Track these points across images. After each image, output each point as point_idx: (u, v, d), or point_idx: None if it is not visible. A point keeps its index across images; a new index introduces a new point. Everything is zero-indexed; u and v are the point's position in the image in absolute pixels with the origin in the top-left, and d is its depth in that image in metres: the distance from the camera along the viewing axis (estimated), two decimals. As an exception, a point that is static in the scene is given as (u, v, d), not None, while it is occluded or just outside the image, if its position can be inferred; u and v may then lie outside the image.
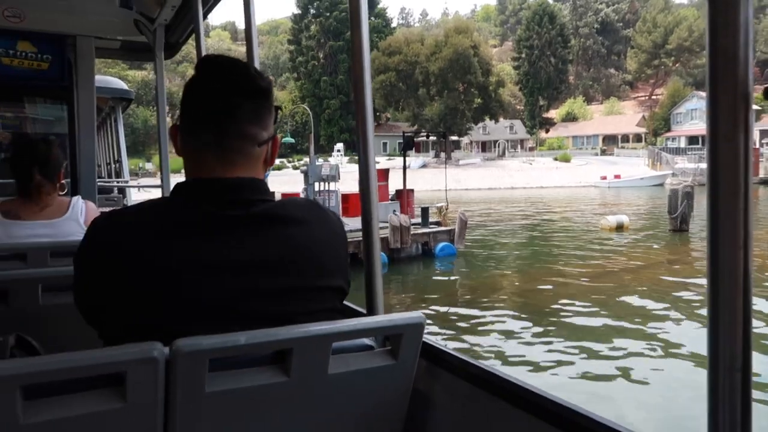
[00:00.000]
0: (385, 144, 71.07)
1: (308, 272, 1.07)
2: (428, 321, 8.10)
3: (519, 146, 75.09)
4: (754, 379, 0.74)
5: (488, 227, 21.25)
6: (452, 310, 9.62)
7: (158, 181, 4.83)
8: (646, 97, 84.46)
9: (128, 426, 0.90)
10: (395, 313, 1.14)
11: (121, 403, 0.87)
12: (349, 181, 20.15)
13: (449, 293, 11.11)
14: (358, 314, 1.49)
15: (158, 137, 3.73)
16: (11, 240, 2.24)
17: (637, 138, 70.01)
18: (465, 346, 7.63)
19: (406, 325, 1.10)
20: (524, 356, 7.19)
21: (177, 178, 1.27)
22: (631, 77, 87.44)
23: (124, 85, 8.48)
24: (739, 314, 0.70)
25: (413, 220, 14.88)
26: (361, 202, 1.45)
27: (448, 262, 14.05)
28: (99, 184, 5.33)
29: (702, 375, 0.71)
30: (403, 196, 16.48)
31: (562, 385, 6.21)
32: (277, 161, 64.27)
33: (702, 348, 0.73)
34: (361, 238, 1.41)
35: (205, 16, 2.94)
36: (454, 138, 67.18)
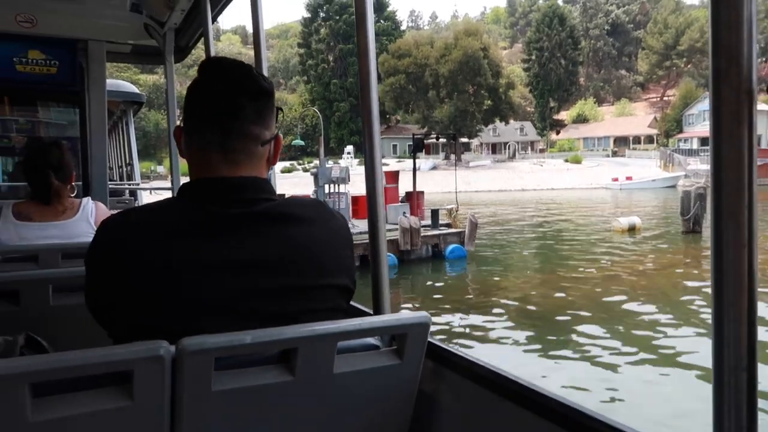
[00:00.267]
0: (395, 146, 71.10)
1: (310, 271, 1.07)
2: (440, 326, 8.07)
3: (529, 148, 74.81)
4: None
5: (499, 229, 21.18)
6: (462, 315, 9.58)
7: (169, 184, 4.87)
8: (658, 99, 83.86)
9: (135, 424, 0.90)
10: (400, 313, 1.14)
11: (128, 401, 0.88)
12: (358, 184, 20.04)
13: (459, 297, 11.07)
14: (365, 315, 1.50)
15: (169, 140, 3.77)
16: (23, 241, 2.27)
17: (649, 139, 69.52)
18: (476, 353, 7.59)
19: (411, 324, 1.11)
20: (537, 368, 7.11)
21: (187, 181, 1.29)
22: (643, 78, 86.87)
23: (135, 89, 8.56)
24: (744, 314, 0.69)
25: (423, 222, 14.87)
26: (368, 204, 1.46)
27: (459, 264, 14.02)
28: (110, 186, 5.39)
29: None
30: (413, 198, 16.47)
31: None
32: (287, 164, 64.66)
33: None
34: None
35: (214, 20, 2.97)
36: (464, 140, 67.07)
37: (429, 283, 12.66)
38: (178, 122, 1.16)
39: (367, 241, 1.46)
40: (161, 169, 56.33)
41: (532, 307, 9.71)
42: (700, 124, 62.21)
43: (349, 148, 56.09)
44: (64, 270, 1.78)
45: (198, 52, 4.01)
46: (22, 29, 3.52)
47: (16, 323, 1.52)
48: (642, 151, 65.94)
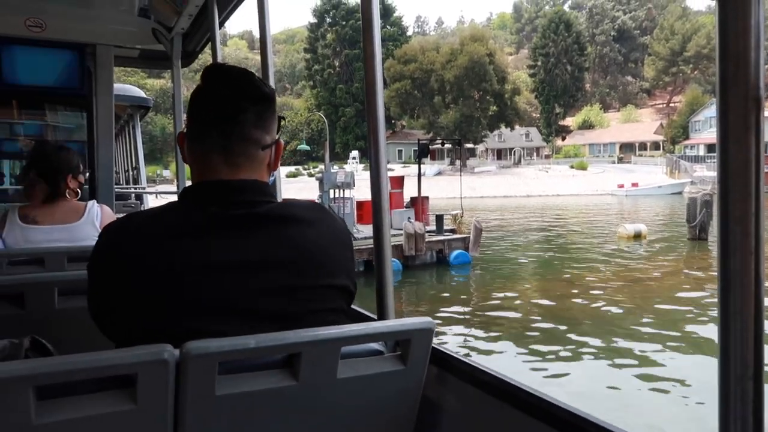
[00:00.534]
0: (400, 151, 71.14)
1: (311, 272, 1.09)
2: (447, 332, 8.02)
3: (535, 154, 74.72)
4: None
5: (503, 235, 21.14)
6: (466, 322, 9.55)
7: (174, 188, 4.90)
8: (664, 105, 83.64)
9: (139, 427, 0.90)
10: (404, 318, 1.14)
11: (132, 404, 0.88)
12: (363, 189, 19.97)
13: (464, 303, 11.05)
14: (369, 320, 1.50)
15: (175, 145, 3.78)
16: (29, 244, 2.28)
17: (655, 146, 69.31)
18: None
19: (414, 330, 1.10)
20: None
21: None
22: (649, 85, 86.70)
23: (142, 93, 8.60)
24: (750, 321, 0.69)
25: (428, 228, 14.85)
26: (373, 210, 1.46)
27: (463, 270, 13.99)
28: (117, 190, 5.41)
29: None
30: (418, 204, 16.46)
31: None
32: (293, 168, 64.69)
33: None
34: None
35: (221, 26, 2.99)
36: (470, 145, 67.03)
37: (432, 291, 12.64)
38: (183, 127, 1.17)
39: (372, 246, 1.46)
40: (167, 173, 56.56)
41: (536, 316, 9.63)
42: (706, 131, 61.99)
43: (355, 153, 56.20)
44: (69, 273, 1.79)
45: (205, 57, 4.05)
46: (31, 33, 3.55)
47: (21, 326, 1.53)
48: (648, 158, 65.73)
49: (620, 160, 68.40)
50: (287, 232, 1.09)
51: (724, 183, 0.69)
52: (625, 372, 6.80)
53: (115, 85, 4.60)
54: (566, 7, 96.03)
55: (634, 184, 47.32)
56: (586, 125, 78.66)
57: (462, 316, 9.84)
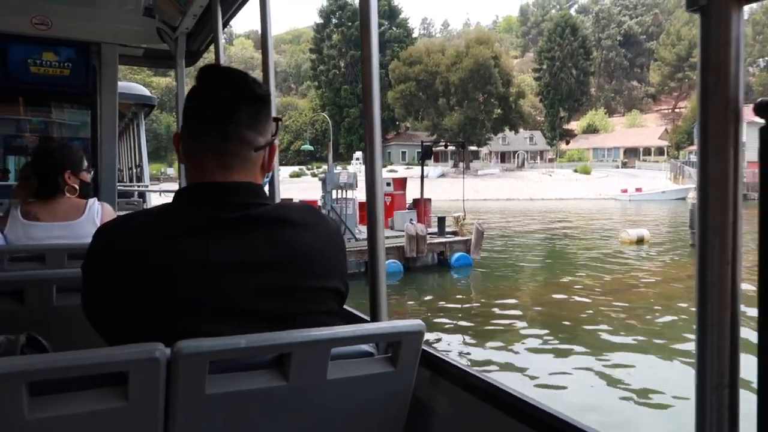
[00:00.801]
0: (404, 153, 71.15)
1: (304, 273, 1.10)
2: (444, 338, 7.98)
3: (539, 157, 74.62)
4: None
5: (505, 238, 21.12)
6: (464, 324, 9.55)
7: (177, 186, 4.92)
8: (669, 110, 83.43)
9: (130, 424, 0.92)
10: (394, 321, 1.15)
11: (123, 402, 0.89)
12: (366, 190, 20.10)
13: (464, 306, 11.04)
14: (362, 321, 1.51)
15: None
16: (30, 241, 2.30)
17: (659, 151, 69.13)
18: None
19: (404, 332, 1.11)
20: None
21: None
22: (654, 90, 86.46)
23: (146, 92, 8.65)
24: (727, 331, 0.70)
25: (430, 230, 14.84)
26: (368, 212, 1.48)
27: (464, 272, 13.98)
28: (119, 188, 5.44)
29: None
30: (420, 205, 16.46)
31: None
32: (296, 168, 64.64)
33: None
34: None
35: (224, 26, 3.01)
36: (474, 148, 67.01)
37: (432, 292, 12.64)
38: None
39: None
40: (171, 171, 56.66)
41: (534, 321, 9.56)
42: (711, 137, 61.48)
43: (358, 153, 56.18)
44: (68, 270, 1.81)
45: (210, 56, 4.08)
46: (37, 31, 3.58)
47: (19, 322, 1.54)
48: (652, 163, 65.56)
49: (624, 165, 68.23)
50: (283, 234, 1.10)
51: (703, 193, 0.70)
52: (622, 379, 6.79)
53: (120, 84, 4.62)
54: (573, 11, 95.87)
55: (638, 189, 47.21)
56: (591, 129, 78.52)
57: (460, 318, 9.83)
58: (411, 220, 14.68)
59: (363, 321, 1.48)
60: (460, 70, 60.92)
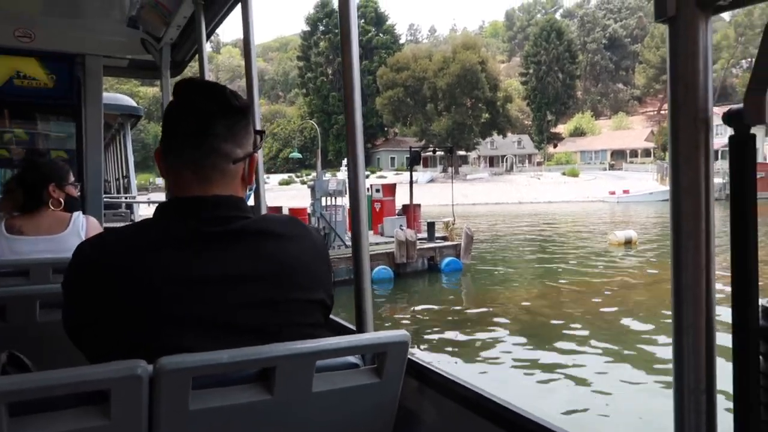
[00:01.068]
0: (392, 159, 71.28)
1: (288, 285, 1.09)
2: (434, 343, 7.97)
3: (527, 161, 75.05)
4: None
5: (495, 242, 21.19)
6: (454, 328, 9.56)
7: (164, 197, 4.89)
8: (655, 112, 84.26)
9: None
10: (379, 332, 1.15)
11: (105, 420, 0.88)
12: (356, 196, 20.10)
13: (456, 310, 11.05)
14: (348, 331, 1.51)
15: None
16: (14, 255, 2.28)
17: (646, 153, 69.77)
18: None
19: (389, 343, 1.11)
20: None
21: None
22: (640, 92, 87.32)
23: (133, 102, 8.62)
24: (702, 335, 0.71)
25: (419, 235, 14.87)
26: (352, 220, 1.48)
27: (454, 277, 14.01)
28: (106, 200, 5.41)
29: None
30: (410, 211, 16.49)
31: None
32: (285, 176, 64.40)
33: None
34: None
35: (208, 36, 3.01)
36: (462, 153, 67.33)
37: (423, 298, 12.64)
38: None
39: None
40: (160, 181, 56.34)
41: (524, 325, 9.58)
42: (696, 138, 62.15)
43: (347, 160, 56.06)
44: (52, 286, 1.79)
45: (196, 66, 4.07)
46: (20, 44, 3.56)
47: (1, 339, 1.53)
48: (639, 165, 66.15)
49: (611, 167, 68.79)
50: (266, 246, 1.10)
51: (676, 201, 0.72)
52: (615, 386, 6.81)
53: (106, 95, 4.61)
54: (558, 16, 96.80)
55: (626, 191, 47.61)
56: (578, 132, 79.12)
57: (450, 323, 9.83)
58: (401, 225, 14.70)
59: (349, 331, 1.48)
60: (447, 75, 61.22)
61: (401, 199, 17.96)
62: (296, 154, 40.76)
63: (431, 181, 58.17)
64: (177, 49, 3.71)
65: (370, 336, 1.15)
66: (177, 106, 1.13)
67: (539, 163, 74.04)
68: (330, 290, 1.19)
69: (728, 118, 0.66)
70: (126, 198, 8.50)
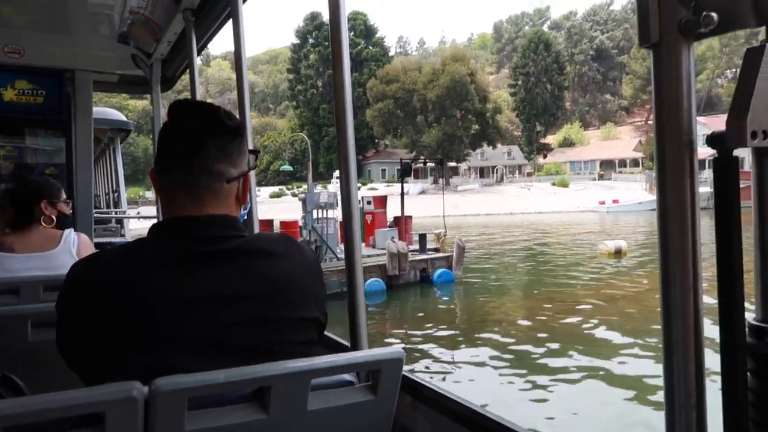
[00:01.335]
0: (383, 170, 71.42)
1: (282, 304, 1.10)
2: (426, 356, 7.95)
3: (517, 172, 75.46)
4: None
5: (487, 253, 21.24)
6: (447, 342, 9.54)
7: (155, 210, 4.88)
8: (642, 122, 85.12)
9: None
10: (374, 349, 1.15)
11: None
12: (347, 208, 20.11)
13: (449, 323, 11.04)
14: (343, 347, 1.51)
15: None
16: (5, 273, 2.26)
17: (635, 162, 70.39)
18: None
19: (384, 360, 1.12)
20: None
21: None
22: (627, 103, 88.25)
23: (122, 117, 8.59)
24: (691, 352, 0.72)
25: (411, 247, 14.88)
26: (345, 235, 1.48)
27: (446, 288, 14.01)
28: (96, 215, 5.37)
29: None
30: (401, 223, 16.52)
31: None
32: (276, 189, 64.25)
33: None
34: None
35: (199, 52, 3.02)
36: (453, 164, 67.60)
37: (416, 310, 12.62)
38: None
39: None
40: (150, 194, 56.08)
41: (516, 338, 9.53)
42: (684, 148, 62.73)
43: (338, 172, 56.08)
44: (42, 305, 1.78)
45: (186, 79, 4.08)
46: (9, 60, 3.55)
47: None
48: (628, 174, 66.69)
49: (601, 177, 69.31)
50: (259, 265, 1.10)
51: (663, 221, 0.73)
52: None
53: (96, 109, 4.59)
54: (545, 28, 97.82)
55: (615, 201, 47.94)
56: (567, 143, 79.74)
57: (444, 337, 9.82)
58: (392, 237, 14.72)
59: (343, 348, 1.49)
60: (437, 87, 61.61)
61: (392, 210, 17.98)
62: (287, 167, 40.72)
63: (422, 192, 58.31)
64: (168, 64, 3.72)
65: (365, 354, 1.15)
66: (170, 127, 1.14)
67: (529, 174, 74.46)
68: (324, 308, 1.20)
69: (711, 142, 0.68)
70: (116, 213, 8.46)
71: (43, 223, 2.44)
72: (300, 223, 15.33)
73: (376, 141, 74.99)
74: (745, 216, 0.71)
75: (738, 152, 0.69)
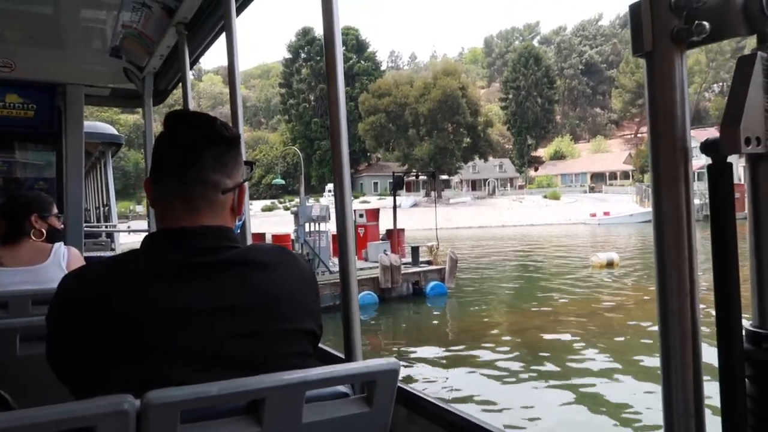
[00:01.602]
0: (375, 184, 71.53)
1: (276, 316, 1.08)
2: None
3: (509, 184, 75.83)
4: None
5: (479, 266, 21.24)
6: (440, 355, 9.50)
7: (146, 224, 4.84)
8: (632, 135, 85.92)
9: None
10: (368, 360, 1.14)
11: None
12: (339, 222, 20.09)
13: (441, 337, 11.00)
14: (337, 359, 1.50)
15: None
16: None
17: (625, 175, 70.94)
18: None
19: (379, 371, 1.11)
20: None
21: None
22: (617, 116, 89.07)
23: (113, 131, 8.58)
24: (689, 360, 0.72)
25: (404, 260, 14.87)
26: (339, 248, 1.48)
27: (439, 301, 13.98)
28: (87, 229, 5.33)
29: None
30: (394, 236, 16.51)
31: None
32: (268, 202, 64.18)
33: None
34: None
35: (191, 66, 3.02)
36: (444, 177, 67.81)
37: (409, 323, 12.58)
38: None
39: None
40: (140, 208, 55.84)
41: (509, 351, 9.53)
42: (673, 160, 63.34)
43: (330, 186, 56.11)
44: (30, 319, 1.75)
45: (178, 93, 4.08)
46: (0, 73, 3.54)
47: None
48: (618, 187, 67.16)
49: (592, 190, 69.77)
50: (252, 277, 1.09)
51: (658, 229, 0.74)
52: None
53: (87, 123, 4.58)
54: (535, 42, 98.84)
55: (606, 213, 48.15)
56: (558, 156, 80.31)
57: (437, 349, 9.78)
58: (385, 250, 14.70)
59: (338, 360, 1.47)
60: (428, 101, 61.98)
61: (385, 223, 17.99)
62: (279, 180, 40.73)
63: (414, 205, 58.41)
64: (160, 78, 3.72)
65: (359, 365, 1.14)
66: (165, 137, 1.14)
67: (521, 187, 74.83)
68: (318, 319, 1.18)
69: (705, 149, 0.69)
70: (107, 227, 8.40)
71: (33, 237, 2.42)
72: (292, 237, 15.29)
73: (369, 154, 75.17)
74: (739, 228, 0.71)
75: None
